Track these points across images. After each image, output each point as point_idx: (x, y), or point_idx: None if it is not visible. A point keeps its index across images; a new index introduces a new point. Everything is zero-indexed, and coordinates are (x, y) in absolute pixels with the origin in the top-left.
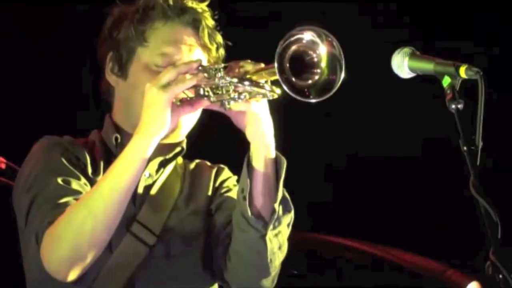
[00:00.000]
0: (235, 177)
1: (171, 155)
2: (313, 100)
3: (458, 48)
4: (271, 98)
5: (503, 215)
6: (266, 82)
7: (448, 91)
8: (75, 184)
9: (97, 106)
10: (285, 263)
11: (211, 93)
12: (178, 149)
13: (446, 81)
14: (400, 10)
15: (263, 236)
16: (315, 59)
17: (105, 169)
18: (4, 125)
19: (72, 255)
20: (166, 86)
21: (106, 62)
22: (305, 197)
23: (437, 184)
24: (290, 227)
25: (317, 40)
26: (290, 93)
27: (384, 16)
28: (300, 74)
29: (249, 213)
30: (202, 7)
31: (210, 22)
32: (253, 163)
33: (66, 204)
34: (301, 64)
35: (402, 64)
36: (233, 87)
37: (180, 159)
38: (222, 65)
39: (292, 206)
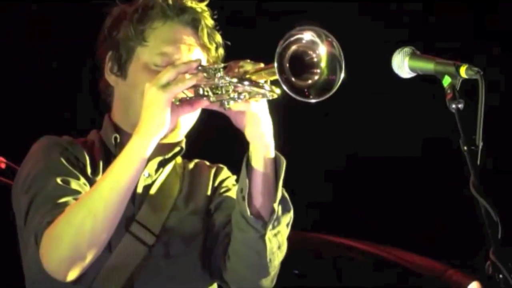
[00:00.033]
0: (234, 177)
1: (170, 155)
2: (313, 100)
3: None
4: (270, 98)
5: (503, 215)
6: (265, 82)
7: (449, 91)
8: (74, 184)
9: (97, 106)
10: (286, 263)
11: (210, 93)
12: (177, 149)
13: (446, 80)
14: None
15: (262, 236)
16: (315, 59)
17: (104, 169)
18: (4, 125)
19: (72, 255)
20: (165, 86)
21: (105, 61)
22: (304, 197)
23: (437, 184)
24: (290, 227)
25: (317, 40)
26: (290, 93)
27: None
28: (300, 74)
29: (248, 213)
30: (202, 6)
31: (210, 21)
32: (252, 163)
33: (65, 204)
34: (300, 64)
35: (403, 64)
36: (232, 87)
37: (179, 159)
38: (222, 65)
39: (291, 206)
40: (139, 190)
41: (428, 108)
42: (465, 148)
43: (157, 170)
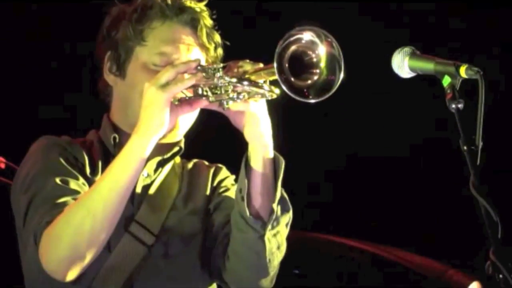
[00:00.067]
0: (233, 176)
1: (169, 154)
2: (312, 101)
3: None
4: (269, 98)
5: (503, 215)
6: (265, 82)
7: (449, 91)
8: (73, 184)
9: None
10: (286, 263)
11: (209, 93)
12: (176, 148)
13: (446, 80)
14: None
15: (261, 236)
16: (314, 59)
17: (103, 169)
18: (4, 125)
19: (71, 255)
20: (165, 86)
21: (104, 61)
22: (304, 197)
23: (438, 184)
24: (289, 227)
25: (317, 40)
26: (289, 93)
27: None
28: (299, 74)
29: (248, 213)
30: (200, 6)
31: (208, 21)
32: (251, 163)
33: (64, 204)
34: (300, 64)
35: (402, 64)
36: (231, 87)
37: (178, 159)
38: (221, 64)
39: (290, 206)
40: (138, 190)
41: (428, 108)
42: (465, 148)
43: (156, 170)
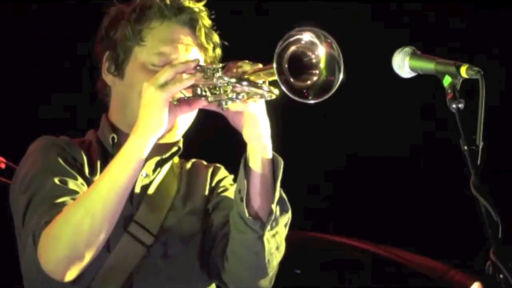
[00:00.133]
0: (232, 176)
1: (168, 154)
2: (312, 101)
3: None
4: (269, 98)
5: (504, 215)
6: (264, 82)
7: (449, 91)
8: (72, 184)
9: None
10: (286, 263)
11: (208, 93)
12: (174, 148)
13: (447, 80)
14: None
15: (260, 237)
16: (314, 60)
17: (102, 169)
18: (4, 125)
19: (70, 255)
20: (163, 86)
21: (102, 61)
22: (304, 197)
23: (439, 184)
24: (288, 227)
25: (316, 41)
26: (289, 94)
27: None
28: (299, 75)
29: (247, 214)
30: (199, 6)
31: (207, 21)
32: (250, 164)
33: (63, 204)
34: (299, 65)
35: (403, 64)
36: (231, 87)
37: (176, 159)
38: (220, 65)
39: (289, 207)
40: (137, 190)
41: (428, 108)
42: (466, 148)
43: (154, 170)
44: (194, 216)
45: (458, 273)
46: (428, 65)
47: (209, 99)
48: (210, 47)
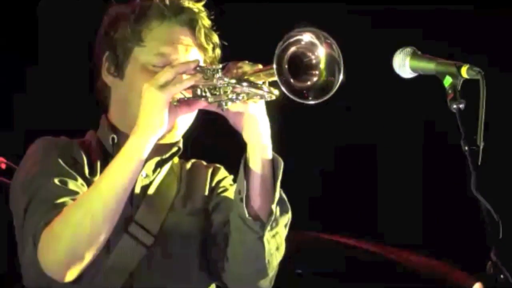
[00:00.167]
0: (231, 177)
1: (167, 155)
2: (312, 102)
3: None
4: (269, 99)
5: (504, 215)
6: (264, 83)
7: (450, 91)
8: (72, 185)
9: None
10: (287, 263)
11: (208, 94)
12: (174, 149)
13: (447, 81)
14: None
15: (260, 238)
16: (314, 61)
17: (101, 170)
18: (4, 125)
19: (70, 255)
20: (164, 86)
21: (102, 62)
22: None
23: (440, 184)
24: (288, 227)
25: (316, 41)
26: (289, 95)
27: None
28: (299, 75)
29: (247, 215)
30: (199, 7)
31: (207, 22)
32: (250, 164)
33: (63, 205)
34: (299, 65)
35: (404, 64)
36: (231, 88)
37: (176, 159)
38: (220, 65)
39: (289, 207)
40: (137, 190)
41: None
42: (466, 148)
43: (154, 171)
44: (194, 217)
45: (460, 273)
46: (428, 66)
47: (209, 99)
48: (209, 48)
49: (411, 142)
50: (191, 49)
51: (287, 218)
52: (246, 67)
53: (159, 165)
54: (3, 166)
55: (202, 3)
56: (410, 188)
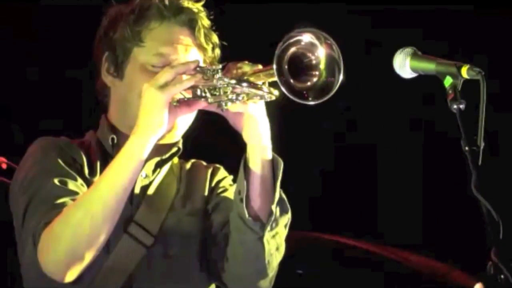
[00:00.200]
0: (231, 177)
1: (167, 155)
2: (312, 102)
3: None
4: (268, 99)
5: (505, 215)
6: (264, 83)
7: (450, 91)
8: (71, 185)
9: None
10: (288, 263)
11: (208, 94)
12: (174, 149)
13: (448, 81)
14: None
15: (260, 238)
16: (314, 61)
17: (101, 170)
18: (4, 125)
19: (70, 255)
20: (163, 87)
21: (101, 62)
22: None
23: (441, 184)
24: (288, 228)
25: (316, 42)
26: (289, 95)
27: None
28: (299, 76)
29: (246, 215)
30: (198, 7)
31: (206, 22)
32: (249, 164)
33: (63, 205)
34: (299, 66)
35: (404, 64)
36: (230, 88)
37: (176, 159)
38: (220, 66)
39: (289, 207)
40: (137, 190)
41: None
42: (467, 148)
43: (154, 171)
44: (193, 217)
45: (461, 274)
46: (429, 66)
47: (209, 100)
48: (209, 48)
49: (411, 142)
50: (191, 49)
51: (287, 218)
52: (246, 67)
53: (159, 165)
54: (4, 166)
55: (202, 3)
56: (410, 188)
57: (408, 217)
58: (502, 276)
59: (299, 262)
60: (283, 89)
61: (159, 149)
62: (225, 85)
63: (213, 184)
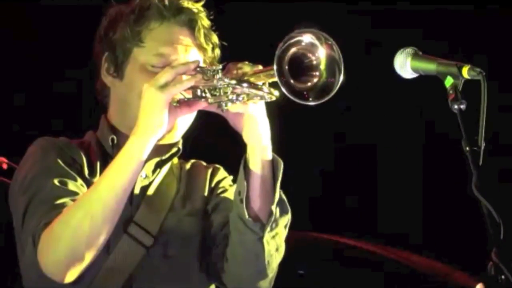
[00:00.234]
0: (231, 177)
1: (167, 155)
2: (312, 103)
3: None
4: (269, 100)
5: (505, 216)
6: (264, 84)
7: (451, 92)
8: (71, 185)
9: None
10: (289, 263)
11: (208, 95)
12: (174, 149)
13: (448, 81)
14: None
15: (260, 238)
16: (314, 62)
17: (101, 170)
18: (5, 125)
19: (70, 256)
20: (164, 87)
21: (101, 62)
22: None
23: (442, 184)
24: (287, 228)
25: (317, 42)
26: (289, 96)
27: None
28: (299, 76)
29: (246, 216)
30: (198, 7)
31: (206, 22)
32: (249, 165)
33: (63, 205)
34: (300, 66)
35: (405, 64)
36: (231, 88)
37: (175, 160)
38: (220, 66)
39: (289, 208)
40: (137, 191)
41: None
42: (467, 148)
43: (154, 171)
44: (193, 217)
45: (462, 275)
46: (429, 66)
47: (209, 100)
48: (209, 48)
49: (411, 142)
50: (191, 49)
51: (287, 218)
52: (246, 67)
53: (159, 165)
54: (5, 166)
55: (201, 3)
56: (410, 188)
57: (408, 217)
58: (503, 277)
59: (299, 262)
60: (283, 89)
61: (159, 149)
62: (225, 86)
63: (213, 185)
